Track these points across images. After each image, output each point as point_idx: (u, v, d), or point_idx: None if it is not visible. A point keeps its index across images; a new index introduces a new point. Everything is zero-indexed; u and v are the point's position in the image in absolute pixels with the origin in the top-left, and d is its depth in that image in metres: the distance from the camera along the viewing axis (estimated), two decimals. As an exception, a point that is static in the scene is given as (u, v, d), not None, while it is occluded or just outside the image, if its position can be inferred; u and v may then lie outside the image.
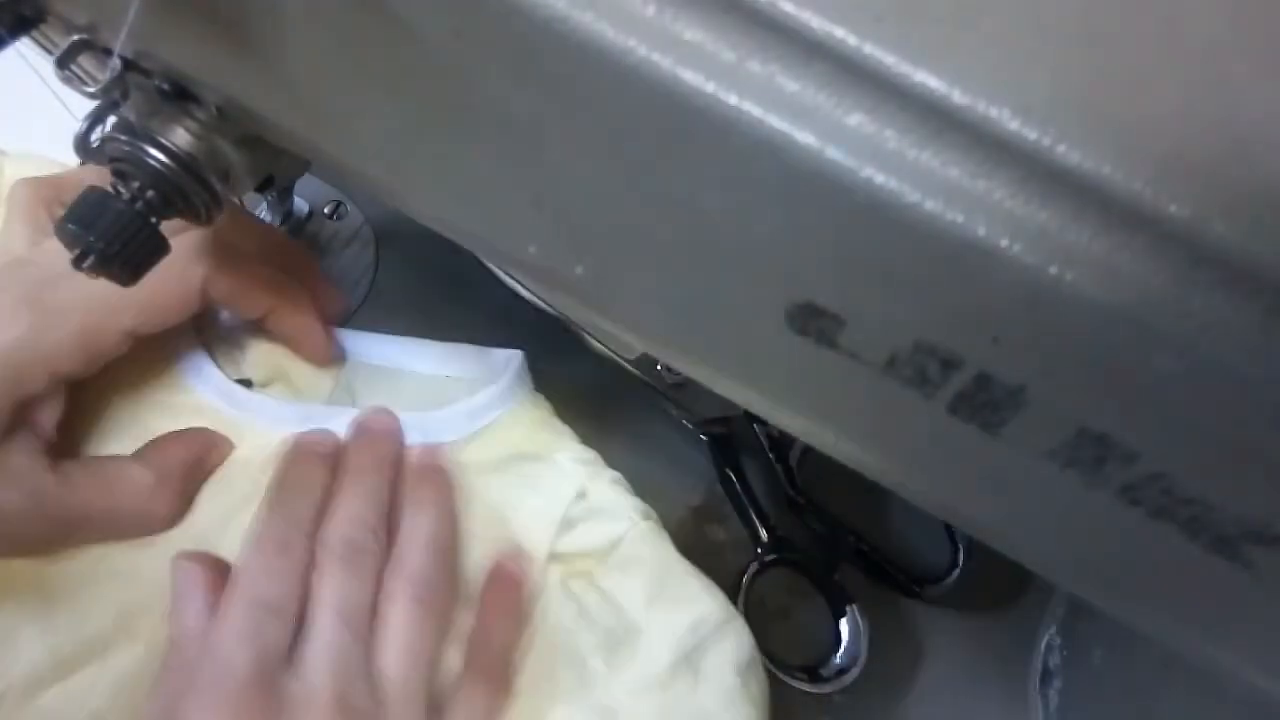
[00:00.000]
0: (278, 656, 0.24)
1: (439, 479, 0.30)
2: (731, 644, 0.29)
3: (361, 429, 0.30)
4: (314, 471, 0.29)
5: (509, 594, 0.29)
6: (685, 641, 0.29)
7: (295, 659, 0.25)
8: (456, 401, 0.32)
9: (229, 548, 0.28)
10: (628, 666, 0.28)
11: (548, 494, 0.31)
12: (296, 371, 0.33)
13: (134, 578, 0.28)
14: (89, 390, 0.30)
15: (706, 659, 0.29)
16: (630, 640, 0.29)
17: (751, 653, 0.30)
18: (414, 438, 0.31)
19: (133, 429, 0.31)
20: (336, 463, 0.29)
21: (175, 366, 0.32)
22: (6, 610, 0.27)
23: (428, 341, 0.34)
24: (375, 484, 0.29)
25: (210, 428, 0.31)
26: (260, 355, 0.33)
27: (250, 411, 0.32)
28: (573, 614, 0.29)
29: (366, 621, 0.26)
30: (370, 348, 0.34)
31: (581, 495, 0.31)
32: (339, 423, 0.31)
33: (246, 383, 0.33)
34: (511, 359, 0.33)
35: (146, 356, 0.31)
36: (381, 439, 0.30)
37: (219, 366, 0.32)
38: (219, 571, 0.27)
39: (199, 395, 0.32)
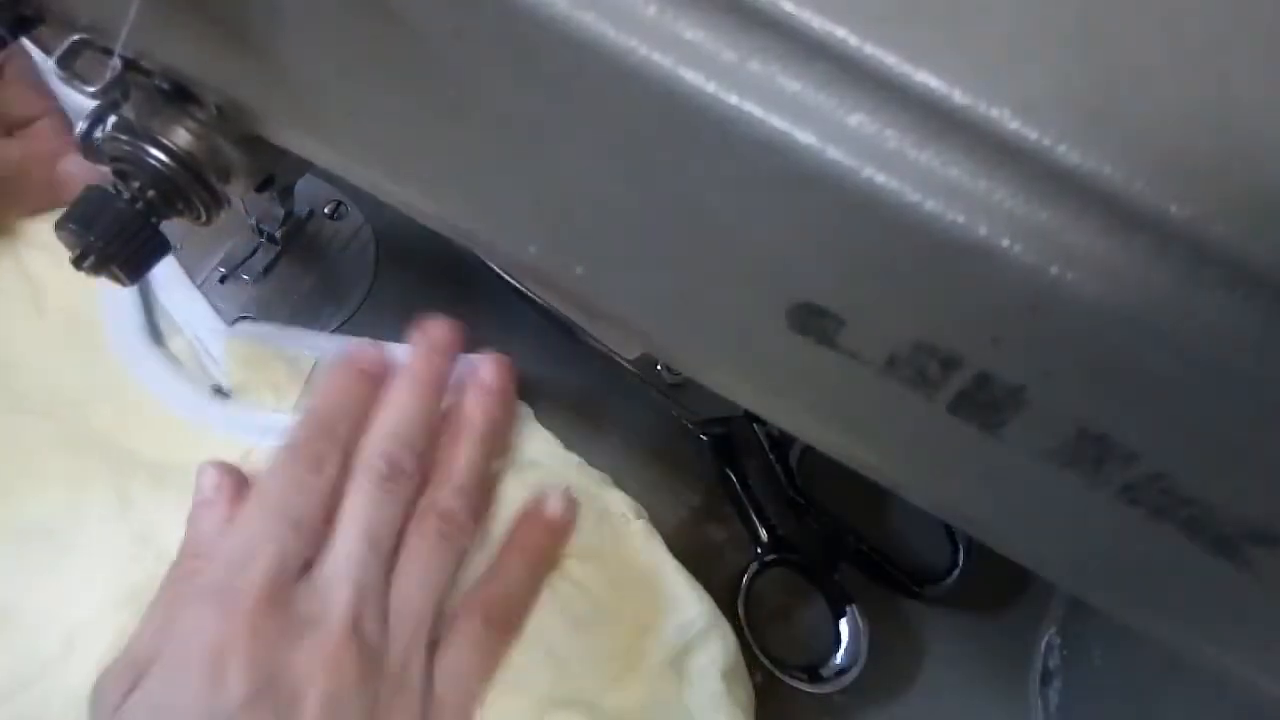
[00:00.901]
0: (295, 571, 0.24)
1: (495, 399, 0.28)
2: (718, 648, 0.29)
3: (422, 337, 0.28)
4: (356, 386, 0.27)
5: (534, 536, 0.28)
6: (671, 643, 0.28)
7: (314, 575, 0.24)
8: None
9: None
10: (613, 667, 0.28)
11: (533, 491, 0.31)
12: (267, 379, 0.33)
13: (80, 600, 0.28)
14: (32, 396, 0.31)
15: (692, 662, 0.29)
16: (619, 641, 0.29)
17: (737, 658, 0.30)
18: None
19: (80, 430, 0.31)
20: (381, 382, 0.28)
21: (129, 370, 0.32)
22: None
23: (402, 346, 0.34)
24: (425, 399, 0.27)
25: (164, 432, 0.31)
26: (231, 364, 0.33)
27: (209, 418, 0.32)
28: (558, 615, 0.29)
29: (392, 546, 0.25)
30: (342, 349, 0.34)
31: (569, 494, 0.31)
32: None
33: (219, 390, 0.33)
34: None
35: (93, 357, 0.32)
36: (439, 353, 0.28)
37: (185, 375, 0.33)
38: (241, 484, 0.26)
39: (156, 398, 0.32)
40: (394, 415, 0.27)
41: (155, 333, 0.34)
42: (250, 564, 0.23)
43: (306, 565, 0.24)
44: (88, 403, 0.32)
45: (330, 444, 0.26)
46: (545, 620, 0.28)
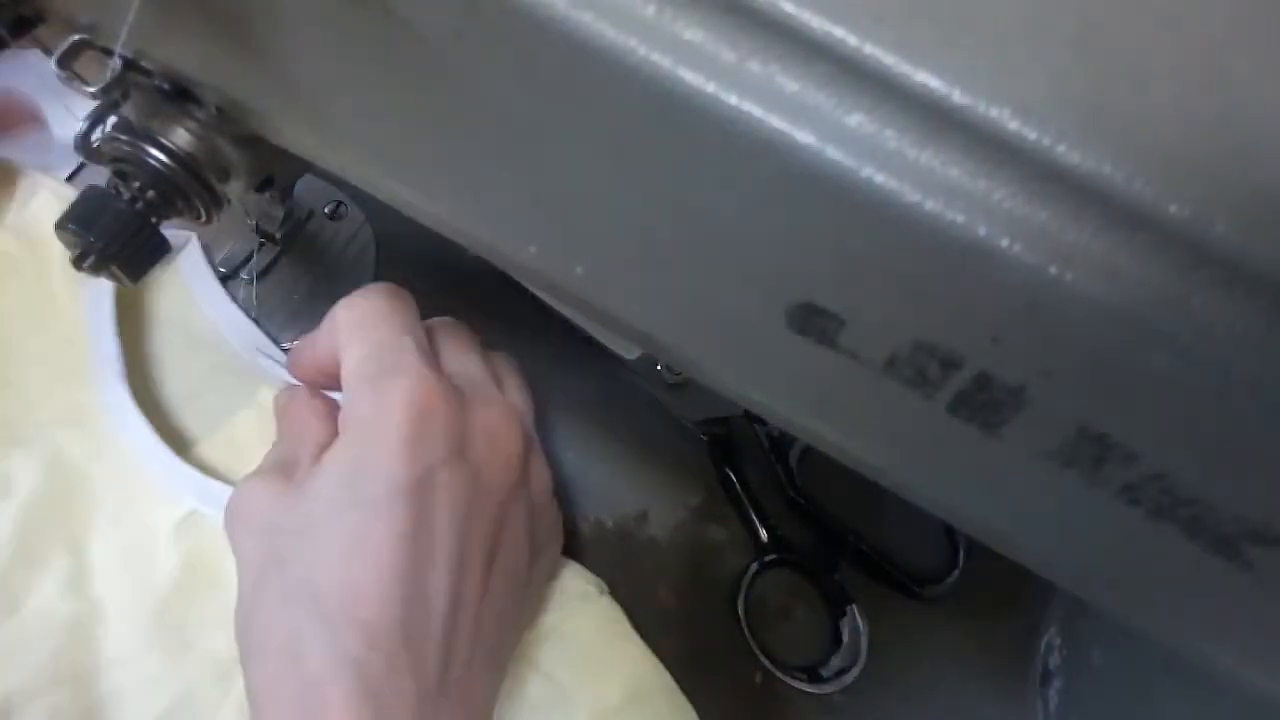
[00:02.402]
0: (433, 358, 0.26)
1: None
2: (668, 714, 0.29)
3: None
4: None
5: None
6: (622, 714, 0.28)
7: (443, 362, 0.27)
8: None
9: (131, 619, 0.28)
10: None
11: None
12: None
13: (17, 665, 0.27)
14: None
15: None
16: (566, 715, 0.28)
17: None
18: None
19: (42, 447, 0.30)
20: None
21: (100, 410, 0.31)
22: None
23: None
24: None
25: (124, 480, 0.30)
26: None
27: (156, 467, 0.30)
28: (516, 701, 0.28)
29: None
30: None
31: None
32: None
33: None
34: None
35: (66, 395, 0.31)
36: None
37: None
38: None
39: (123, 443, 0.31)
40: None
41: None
42: (400, 349, 0.25)
43: None
44: (62, 431, 0.31)
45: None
46: (502, 706, 0.28)
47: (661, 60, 0.13)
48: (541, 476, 0.28)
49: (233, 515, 0.25)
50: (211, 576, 0.29)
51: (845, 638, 0.32)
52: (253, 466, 0.27)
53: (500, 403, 0.26)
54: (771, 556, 0.33)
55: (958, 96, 0.12)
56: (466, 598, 0.23)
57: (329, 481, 0.23)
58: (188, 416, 0.33)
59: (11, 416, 0.30)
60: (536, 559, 0.27)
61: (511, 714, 0.28)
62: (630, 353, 0.35)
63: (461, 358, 0.27)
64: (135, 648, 0.28)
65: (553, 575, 0.30)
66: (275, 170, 0.27)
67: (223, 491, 0.29)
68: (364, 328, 0.26)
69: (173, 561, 0.29)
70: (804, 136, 0.13)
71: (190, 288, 0.34)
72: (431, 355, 0.26)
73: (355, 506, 0.23)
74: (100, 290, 0.32)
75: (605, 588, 0.31)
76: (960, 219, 0.13)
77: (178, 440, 0.31)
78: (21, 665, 0.27)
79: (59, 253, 0.32)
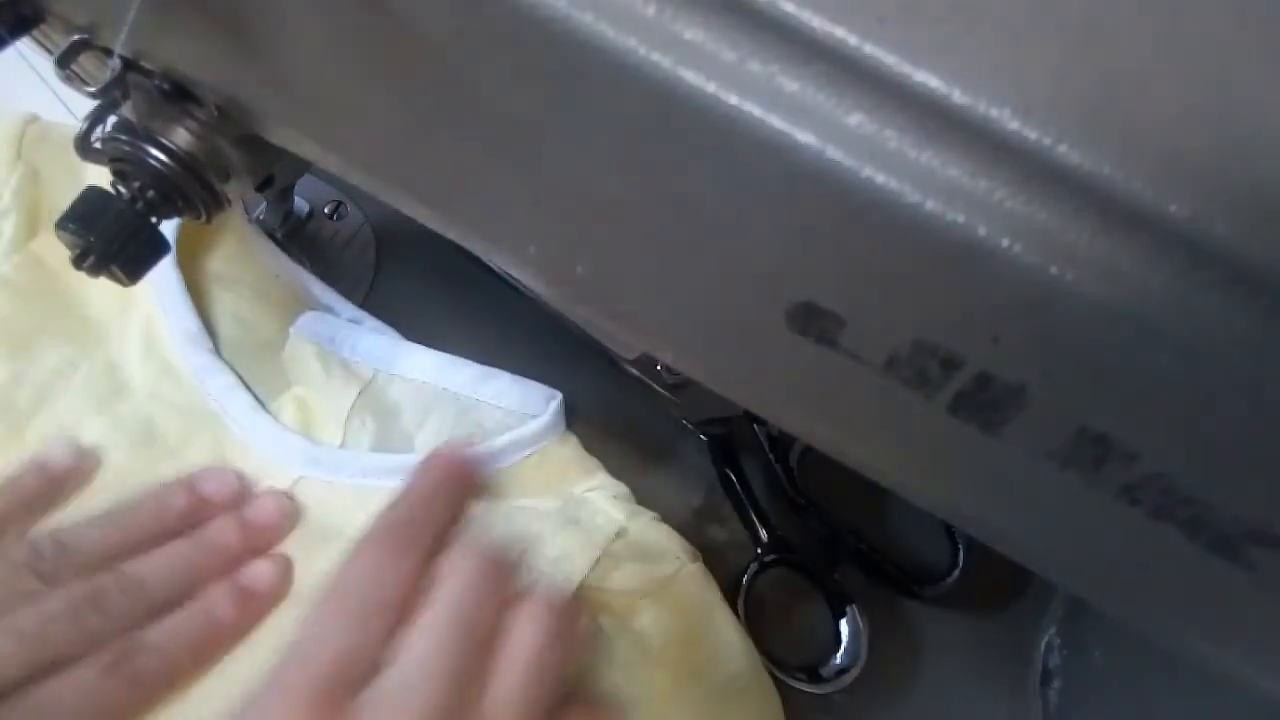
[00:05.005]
0: (363, 669, 0.20)
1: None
2: (758, 703, 0.29)
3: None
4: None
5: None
6: (716, 696, 0.28)
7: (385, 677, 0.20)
8: (488, 434, 0.32)
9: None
10: (656, 710, 0.27)
11: (583, 529, 0.30)
12: (328, 402, 0.32)
13: None
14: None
15: (734, 716, 0.28)
16: (661, 688, 0.28)
17: (779, 715, 0.29)
18: None
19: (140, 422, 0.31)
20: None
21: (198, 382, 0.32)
22: None
23: (464, 361, 0.33)
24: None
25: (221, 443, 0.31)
26: (292, 368, 0.33)
27: (260, 436, 0.31)
28: (604, 657, 0.28)
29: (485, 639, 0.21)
30: (405, 359, 0.33)
31: (621, 533, 0.30)
32: (348, 469, 0.30)
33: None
34: (551, 398, 0.33)
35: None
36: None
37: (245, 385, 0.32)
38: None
39: (213, 405, 0.31)
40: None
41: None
42: (312, 656, 0.20)
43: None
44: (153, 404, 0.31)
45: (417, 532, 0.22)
46: (592, 662, 0.28)
47: (661, 60, 0.13)
48: None
49: None
50: (324, 532, 0.29)
51: (845, 638, 0.32)
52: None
53: None
54: (771, 556, 0.33)
55: (958, 96, 0.12)
56: None
57: None
58: None
59: (100, 389, 0.31)
60: None
61: (614, 677, 0.28)
62: (630, 353, 0.35)
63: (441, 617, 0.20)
64: None
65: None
66: (275, 170, 0.27)
67: (327, 455, 0.31)
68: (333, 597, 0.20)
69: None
70: (804, 136, 0.13)
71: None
72: (369, 648, 0.20)
73: None
74: (164, 267, 0.31)
75: (698, 555, 0.31)
76: (960, 219, 0.13)
77: None
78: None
79: None
